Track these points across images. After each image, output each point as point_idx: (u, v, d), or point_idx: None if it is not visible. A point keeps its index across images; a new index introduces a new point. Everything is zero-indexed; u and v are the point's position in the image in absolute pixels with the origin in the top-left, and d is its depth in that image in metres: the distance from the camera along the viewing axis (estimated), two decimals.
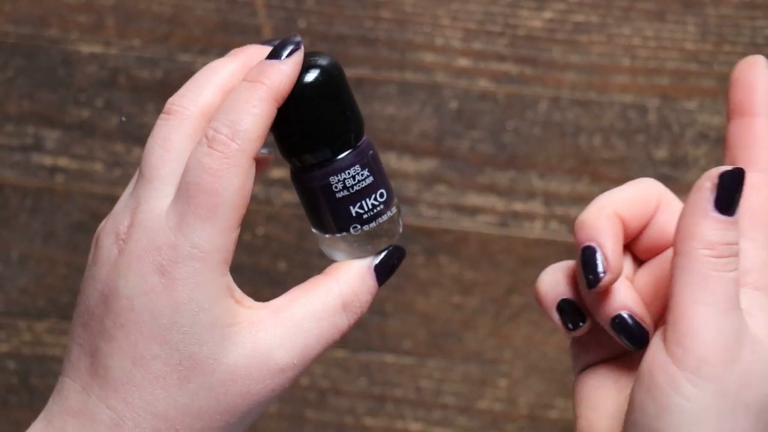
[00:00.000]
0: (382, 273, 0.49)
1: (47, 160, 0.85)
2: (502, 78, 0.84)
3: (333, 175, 0.48)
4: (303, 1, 0.84)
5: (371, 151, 0.49)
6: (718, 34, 0.84)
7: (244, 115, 0.46)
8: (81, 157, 0.85)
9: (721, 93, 0.84)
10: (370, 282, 0.49)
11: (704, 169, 0.86)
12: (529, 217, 0.85)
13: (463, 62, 0.84)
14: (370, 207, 0.48)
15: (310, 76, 0.47)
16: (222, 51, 0.85)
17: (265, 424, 0.86)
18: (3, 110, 0.85)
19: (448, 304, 0.85)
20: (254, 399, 0.47)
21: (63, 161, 0.85)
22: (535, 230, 0.85)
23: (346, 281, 0.49)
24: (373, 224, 0.49)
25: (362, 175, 0.48)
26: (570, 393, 0.87)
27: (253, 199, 0.87)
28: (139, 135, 0.85)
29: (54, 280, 0.85)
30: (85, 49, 0.85)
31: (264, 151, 0.52)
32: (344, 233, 0.49)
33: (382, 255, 0.49)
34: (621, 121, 0.84)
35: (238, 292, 0.47)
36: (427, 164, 0.85)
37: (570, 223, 0.85)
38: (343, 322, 0.49)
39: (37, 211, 0.85)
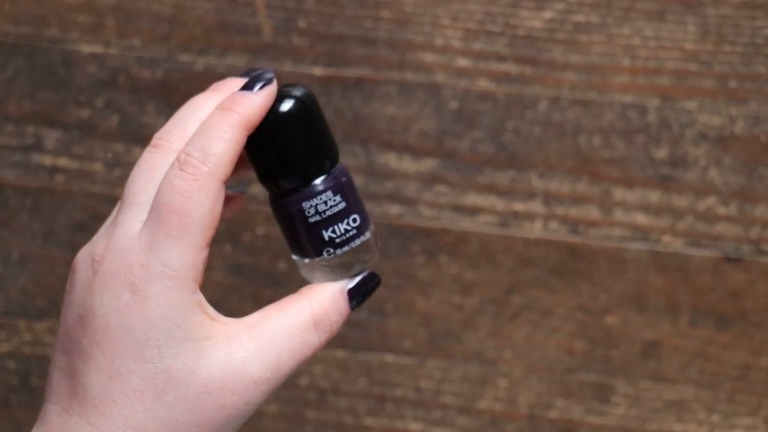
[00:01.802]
0: (355, 296, 0.51)
1: (47, 160, 0.85)
2: (502, 78, 0.84)
3: (306, 200, 0.50)
4: (303, 1, 0.84)
5: (344, 178, 0.51)
6: (718, 34, 0.84)
7: (215, 140, 0.48)
8: (81, 157, 0.85)
9: (721, 93, 0.84)
10: (341, 303, 0.51)
11: (704, 170, 0.86)
12: (529, 217, 0.85)
13: (463, 62, 0.84)
14: (343, 232, 0.50)
15: (284, 106, 0.50)
16: (222, 51, 0.85)
17: (265, 424, 0.86)
18: (3, 110, 0.85)
19: (448, 304, 0.85)
20: (230, 412, 0.48)
21: (63, 161, 0.85)
22: (535, 230, 0.85)
23: (317, 300, 0.51)
24: (345, 248, 0.51)
25: (334, 200, 0.50)
26: (570, 393, 0.87)
27: (253, 199, 0.87)
28: (139, 135, 0.85)
29: (54, 280, 0.85)
30: (85, 49, 0.85)
31: (238, 190, 0.54)
32: (318, 258, 0.51)
33: (357, 280, 0.51)
34: (621, 121, 0.84)
35: (211, 309, 0.49)
36: (427, 164, 0.85)
37: (570, 223, 0.85)
38: (314, 339, 0.50)
39: (37, 211, 0.85)
